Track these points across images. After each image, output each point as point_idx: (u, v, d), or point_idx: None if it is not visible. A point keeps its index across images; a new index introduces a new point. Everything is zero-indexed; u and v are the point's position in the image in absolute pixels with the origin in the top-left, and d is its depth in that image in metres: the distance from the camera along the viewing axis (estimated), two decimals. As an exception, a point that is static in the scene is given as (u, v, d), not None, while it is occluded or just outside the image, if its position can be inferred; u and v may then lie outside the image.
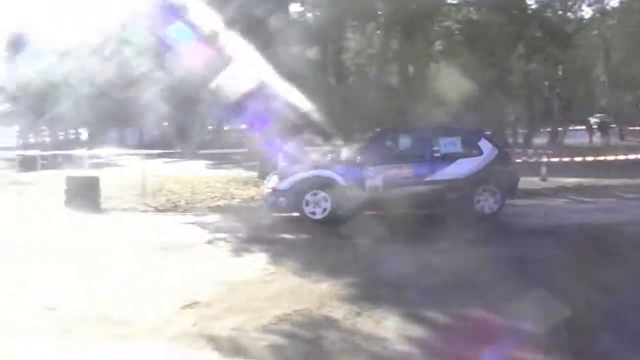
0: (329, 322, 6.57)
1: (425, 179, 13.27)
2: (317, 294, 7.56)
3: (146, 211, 15.44)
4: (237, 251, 10.24)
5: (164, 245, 10.83)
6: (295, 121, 17.73)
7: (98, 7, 31.07)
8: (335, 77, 18.43)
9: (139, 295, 7.67)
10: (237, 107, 20.05)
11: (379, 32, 22.20)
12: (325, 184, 13.21)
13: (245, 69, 17.85)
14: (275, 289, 7.88)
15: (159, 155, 25.88)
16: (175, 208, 15.63)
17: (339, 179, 13.19)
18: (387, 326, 6.41)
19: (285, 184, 13.36)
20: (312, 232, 11.92)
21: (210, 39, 17.47)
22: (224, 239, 11.42)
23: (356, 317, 6.69)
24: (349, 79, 20.76)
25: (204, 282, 8.18)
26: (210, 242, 11.33)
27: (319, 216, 13.09)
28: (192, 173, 24.55)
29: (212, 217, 13.97)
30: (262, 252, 9.96)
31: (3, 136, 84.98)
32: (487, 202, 13.46)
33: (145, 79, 24.95)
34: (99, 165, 24.57)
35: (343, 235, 11.06)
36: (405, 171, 13.36)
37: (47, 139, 59.61)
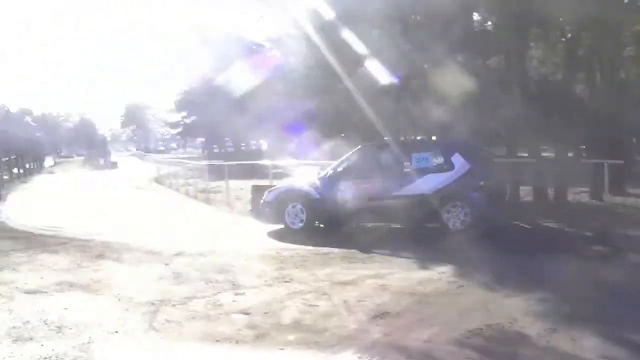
0: (523, 339, 6.38)
1: (393, 194, 13.53)
2: (508, 309, 7.36)
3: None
4: (423, 262, 10.14)
5: (348, 255, 11.00)
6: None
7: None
8: (519, 86, 17.99)
9: (328, 304, 7.79)
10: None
11: (563, 39, 21.43)
12: (302, 197, 14.30)
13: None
14: (464, 302, 7.77)
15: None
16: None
17: (312, 192, 14.25)
18: (586, 345, 6.12)
19: (271, 196, 14.75)
20: (496, 246, 11.66)
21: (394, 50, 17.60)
22: (408, 250, 11.40)
23: (551, 334, 6.45)
24: (532, 88, 20.20)
25: (393, 293, 8.21)
26: (392, 252, 11.34)
27: (296, 226, 14.10)
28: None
29: (395, 228, 13.99)
30: (449, 264, 9.79)
31: (190, 147, 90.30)
32: (457, 218, 13.25)
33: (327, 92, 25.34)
34: (280, 176, 25.34)
35: (528, 249, 10.79)
36: (374, 186, 13.76)
37: (230, 149, 62.35)
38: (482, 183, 13.47)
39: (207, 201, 20.61)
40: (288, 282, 9.01)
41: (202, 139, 76.31)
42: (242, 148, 63.99)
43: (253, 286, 8.76)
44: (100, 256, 11.15)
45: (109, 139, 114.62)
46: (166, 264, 10.32)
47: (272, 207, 14.58)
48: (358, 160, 14.48)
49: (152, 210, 19.46)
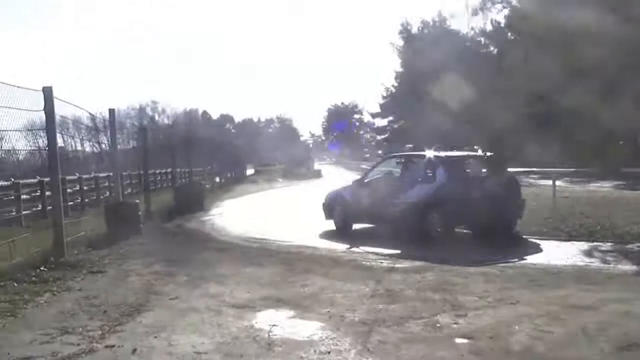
0: None
1: (394, 200, 15.93)
2: None
3: (558, 237, 15.00)
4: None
5: (581, 276, 10.49)
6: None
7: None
8: None
9: (562, 331, 7.35)
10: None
11: None
12: (340, 200, 18.00)
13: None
14: None
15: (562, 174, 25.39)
16: (590, 234, 14.92)
17: (346, 196, 17.87)
18: None
19: (326, 199, 18.70)
20: None
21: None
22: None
23: None
24: None
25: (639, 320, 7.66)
26: (637, 273, 10.71)
27: (339, 225, 17.65)
28: (602, 194, 23.75)
29: (637, 245, 13.21)
30: None
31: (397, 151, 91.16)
32: (434, 223, 15.12)
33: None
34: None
35: None
36: (383, 192, 16.45)
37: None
38: (462, 195, 14.85)
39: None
40: (514, 304, 8.67)
41: (410, 145, 76.76)
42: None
43: (475, 307, 8.50)
44: (307, 270, 11.41)
45: (310, 145, 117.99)
46: (378, 281, 10.33)
47: (325, 208, 18.49)
48: (378, 170, 18.40)
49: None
